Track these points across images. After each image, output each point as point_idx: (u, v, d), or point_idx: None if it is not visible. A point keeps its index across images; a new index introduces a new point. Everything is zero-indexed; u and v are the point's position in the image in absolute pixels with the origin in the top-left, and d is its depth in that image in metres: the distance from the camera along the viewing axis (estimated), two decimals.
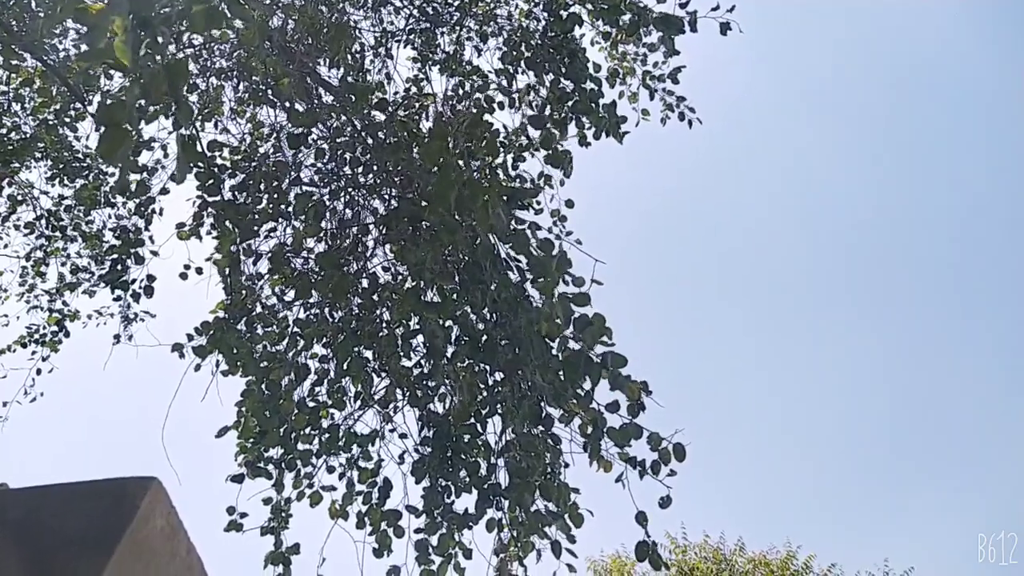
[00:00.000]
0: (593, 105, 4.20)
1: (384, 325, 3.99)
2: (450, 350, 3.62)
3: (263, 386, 3.54)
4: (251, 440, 3.62)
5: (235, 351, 3.59)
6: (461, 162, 2.78)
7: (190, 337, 3.75)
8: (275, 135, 4.71)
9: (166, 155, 5.28)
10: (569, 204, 5.33)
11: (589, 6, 4.35)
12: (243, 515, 3.63)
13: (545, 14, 4.64)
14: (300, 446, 3.75)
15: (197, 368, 3.90)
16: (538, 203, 5.41)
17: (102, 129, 1.92)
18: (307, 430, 3.78)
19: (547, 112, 4.65)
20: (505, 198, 3.52)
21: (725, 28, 4.18)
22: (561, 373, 3.04)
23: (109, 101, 1.85)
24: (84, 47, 1.89)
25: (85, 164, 5.95)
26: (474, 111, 3.64)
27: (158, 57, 2.03)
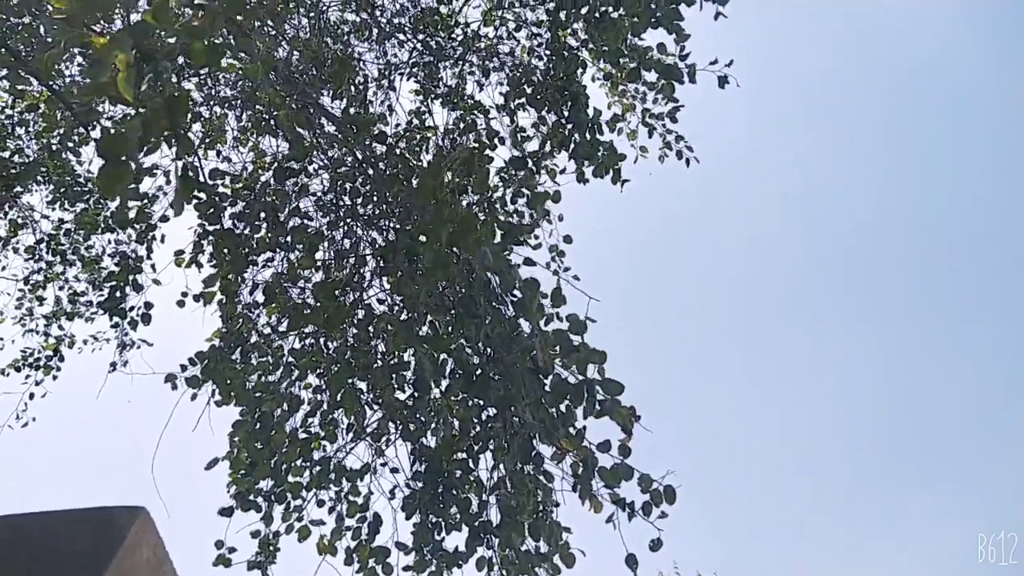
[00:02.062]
0: (596, 150, 4.25)
1: (379, 356, 3.98)
2: (444, 383, 3.62)
3: (255, 417, 3.52)
4: (242, 472, 3.60)
5: (228, 381, 3.57)
6: (456, 197, 2.80)
7: (183, 367, 3.74)
8: (276, 164, 4.74)
9: (168, 182, 5.31)
10: (567, 240, 5.36)
11: (591, 46, 4.41)
12: (231, 549, 3.59)
13: (548, 52, 4.70)
14: (291, 478, 3.73)
15: (193, 398, 3.89)
16: (536, 238, 5.44)
17: (102, 162, 1.94)
18: (298, 462, 3.75)
19: (547, 149, 4.70)
20: (502, 233, 3.54)
21: (723, 82, 4.25)
22: (556, 409, 3.03)
23: (110, 133, 1.86)
24: (87, 80, 1.91)
25: (86, 189, 5.97)
26: (473, 145, 3.67)
27: (160, 90, 2.06)
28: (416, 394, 3.39)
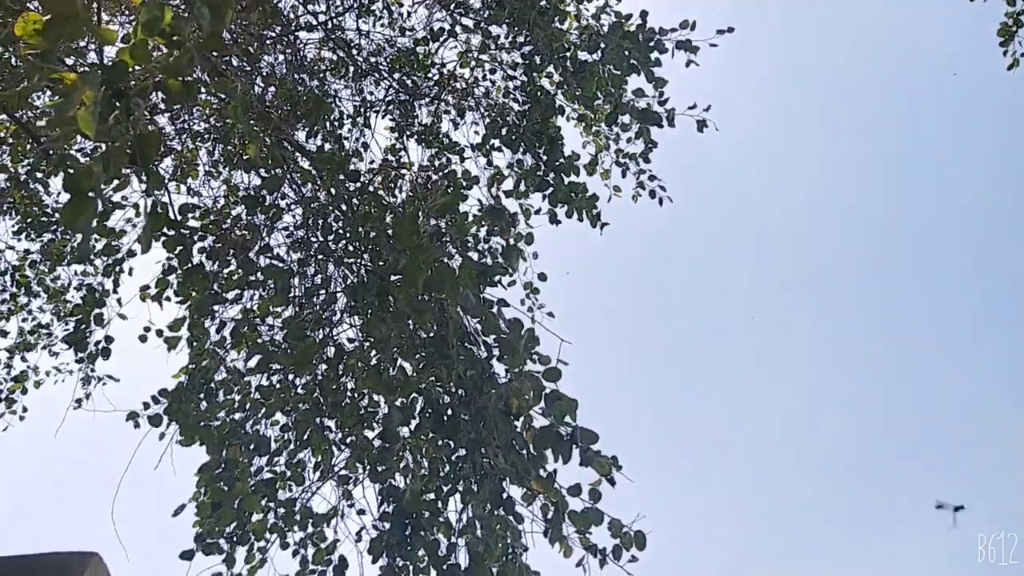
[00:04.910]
0: (573, 195, 4.27)
1: (348, 394, 3.92)
2: (414, 423, 3.57)
3: (219, 460, 3.45)
4: (206, 514, 3.51)
5: (192, 422, 3.50)
6: (433, 242, 2.79)
7: (146, 405, 3.66)
8: (247, 194, 4.71)
9: (138, 214, 5.25)
10: (542, 277, 5.38)
11: (566, 89, 4.46)
12: None
13: (523, 96, 4.74)
14: (255, 516, 3.64)
15: (161, 437, 3.80)
16: (511, 275, 5.45)
17: (67, 196, 1.91)
18: (264, 501, 3.67)
19: (522, 189, 4.72)
20: (476, 273, 3.54)
21: (701, 125, 4.31)
22: (527, 451, 3.01)
23: (76, 168, 1.84)
24: (52, 113, 1.89)
25: (54, 220, 5.88)
26: (448, 188, 3.68)
27: (130, 127, 2.04)
28: (385, 443, 3.34)
